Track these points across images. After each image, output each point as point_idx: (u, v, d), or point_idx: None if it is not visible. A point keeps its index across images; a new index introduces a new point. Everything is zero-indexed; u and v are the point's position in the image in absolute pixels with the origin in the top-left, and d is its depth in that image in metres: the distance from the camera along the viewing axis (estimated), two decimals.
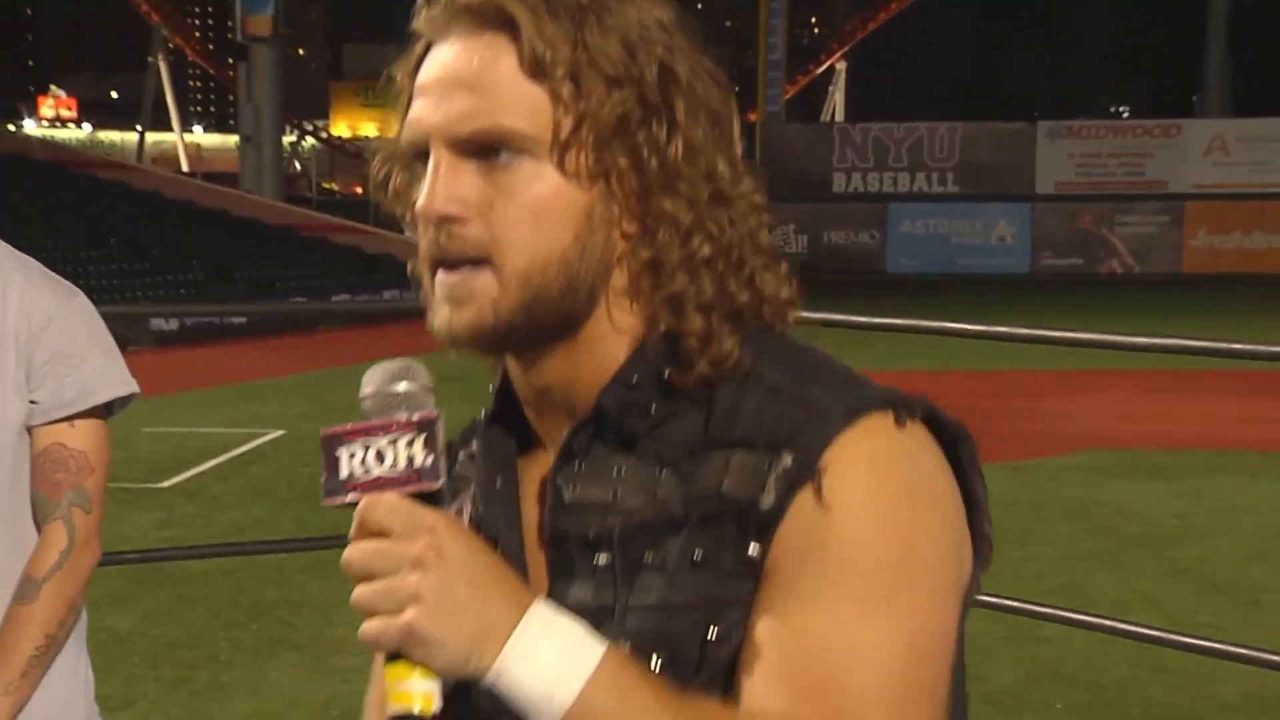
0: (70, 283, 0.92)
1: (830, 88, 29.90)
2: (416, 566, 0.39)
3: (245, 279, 13.30)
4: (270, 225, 16.47)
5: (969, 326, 1.51)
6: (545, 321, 0.44)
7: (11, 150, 17.26)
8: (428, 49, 0.45)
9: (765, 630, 0.42)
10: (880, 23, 31.05)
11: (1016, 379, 6.97)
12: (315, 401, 6.74)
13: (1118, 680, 2.52)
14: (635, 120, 0.43)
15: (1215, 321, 10.51)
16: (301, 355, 9.30)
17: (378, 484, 0.41)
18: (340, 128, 39.23)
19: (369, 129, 38.03)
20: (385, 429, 0.41)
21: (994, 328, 1.53)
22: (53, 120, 39.89)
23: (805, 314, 0.47)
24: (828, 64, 30.85)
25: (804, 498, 0.41)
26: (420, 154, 0.44)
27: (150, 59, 27.63)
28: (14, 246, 0.92)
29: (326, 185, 34.16)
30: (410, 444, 0.40)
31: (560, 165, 0.43)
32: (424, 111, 0.44)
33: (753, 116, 20.71)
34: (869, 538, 0.41)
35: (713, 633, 0.42)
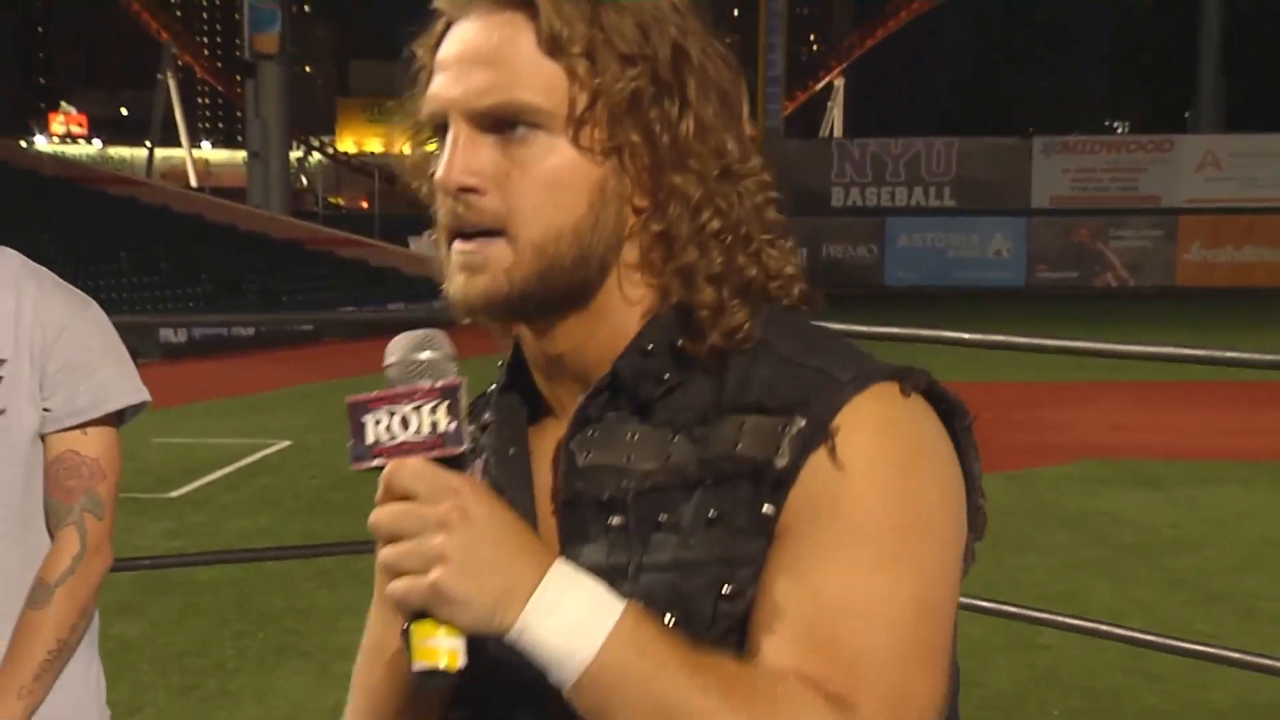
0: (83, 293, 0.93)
1: (829, 104, 30.25)
2: (442, 528, 0.40)
3: (253, 292, 13.45)
4: (277, 239, 16.69)
5: (967, 335, 1.50)
6: (558, 291, 0.45)
7: (23, 166, 17.48)
8: (448, 27, 0.46)
9: (778, 587, 0.42)
10: (878, 40, 31.45)
11: (1014, 391, 7.01)
12: (322, 413, 6.81)
13: (1113, 687, 2.55)
14: (648, 97, 0.44)
15: (1209, 334, 10.54)
16: (308, 367, 9.40)
17: (403, 449, 0.41)
18: (346, 143, 39.73)
19: (374, 145, 38.48)
20: (409, 396, 0.42)
21: (992, 336, 1.54)
22: (64, 137, 40.60)
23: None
24: (826, 80, 31.29)
25: (817, 458, 0.42)
26: (439, 127, 0.45)
27: (160, 76, 27.90)
28: None
29: (333, 200, 34.52)
30: (434, 410, 0.41)
31: (575, 140, 0.44)
32: (443, 86, 0.45)
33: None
34: (879, 499, 0.42)
35: (726, 589, 0.43)
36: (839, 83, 30.35)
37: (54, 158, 22.94)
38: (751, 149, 0.46)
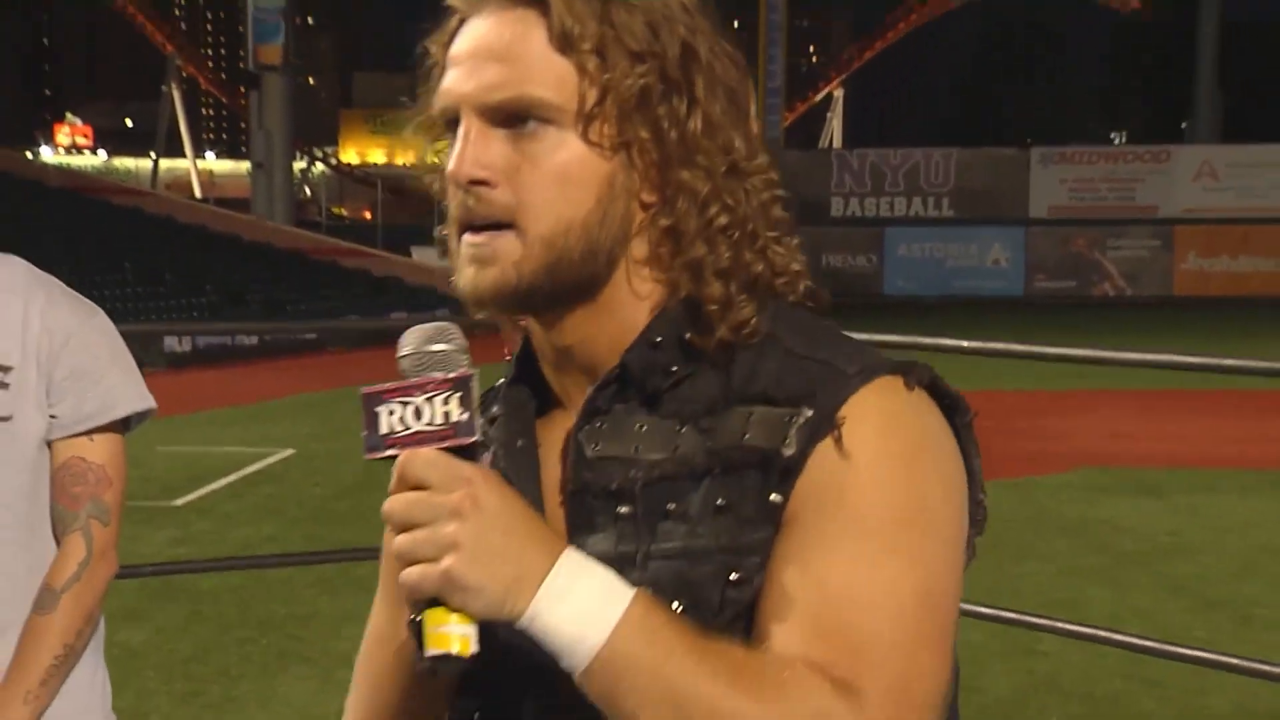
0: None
1: (828, 114, 30.38)
2: (454, 516, 0.41)
3: (256, 301, 13.51)
4: (281, 249, 16.76)
5: (967, 343, 1.50)
6: (566, 284, 0.46)
7: (29, 177, 17.61)
8: (460, 24, 0.46)
9: (785, 576, 0.43)
10: (877, 51, 31.63)
11: (1013, 399, 7.02)
12: (325, 421, 6.84)
13: (1111, 693, 2.56)
14: (657, 94, 0.45)
15: (1206, 342, 10.60)
16: (311, 376, 9.38)
17: (416, 439, 0.42)
18: (349, 154, 39.63)
19: (377, 156, 38.59)
20: (422, 387, 0.42)
21: (991, 344, 1.55)
22: (69, 148, 40.46)
23: None
24: (825, 91, 31.38)
25: (824, 448, 0.43)
26: (451, 122, 0.46)
27: (164, 88, 28.00)
28: None
29: (336, 210, 34.64)
30: (446, 401, 0.42)
31: (585, 135, 0.45)
32: (456, 81, 0.45)
33: None
34: (883, 490, 0.43)
35: (733, 576, 0.43)
36: (838, 94, 30.55)
37: (59, 169, 22.96)
38: (758, 147, 0.47)
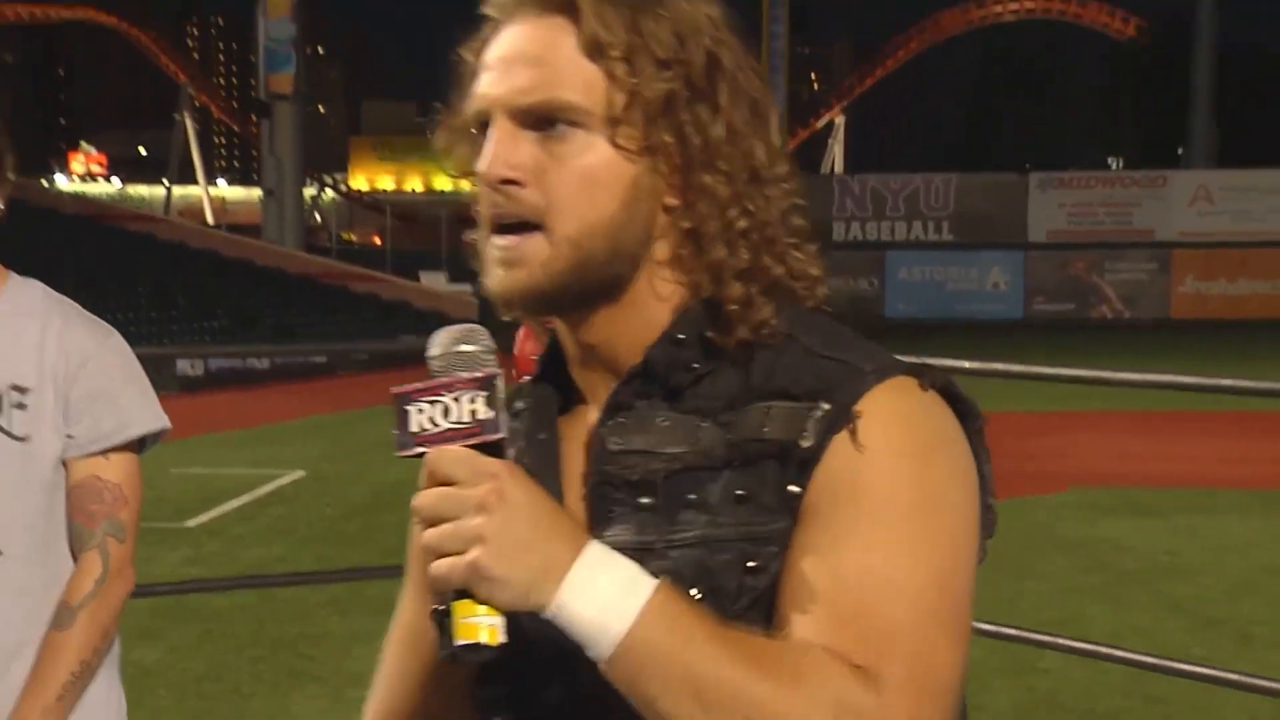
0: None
1: (829, 140, 30.69)
2: (481, 510, 0.42)
3: (268, 326, 13.59)
4: (292, 274, 16.91)
5: (968, 364, 1.51)
6: (592, 284, 0.47)
7: (44, 205, 17.79)
8: (494, 31, 0.48)
9: (804, 565, 0.44)
10: (877, 79, 32.05)
11: (1012, 420, 7.03)
12: (335, 443, 6.85)
13: (1112, 710, 2.58)
14: (682, 100, 0.46)
15: (1204, 364, 10.67)
16: (321, 399, 9.43)
17: (444, 436, 0.43)
18: (359, 180, 39.77)
19: (386, 182, 38.91)
20: (450, 387, 0.43)
21: (992, 364, 1.58)
22: (84, 175, 41.16)
23: None
24: (827, 118, 31.68)
25: (841, 440, 0.44)
26: (483, 124, 0.48)
27: (177, 116, 28.41)
28: None
29: (346, 236, 34.43)
30: (473, 399, 0.43)
31: (612, 139, 0.46)
32: (488, 85, 0.47)
33: None
34: (900, 479, 0.44)
35: (750, 564, 0.45)
36: (839, 120, 30.84)
37: (74, 196, 23.32)
38: (779, 157, 0.49)
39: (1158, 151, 26.28)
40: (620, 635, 0.42)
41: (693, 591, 0.45)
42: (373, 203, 35.52)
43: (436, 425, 0.44)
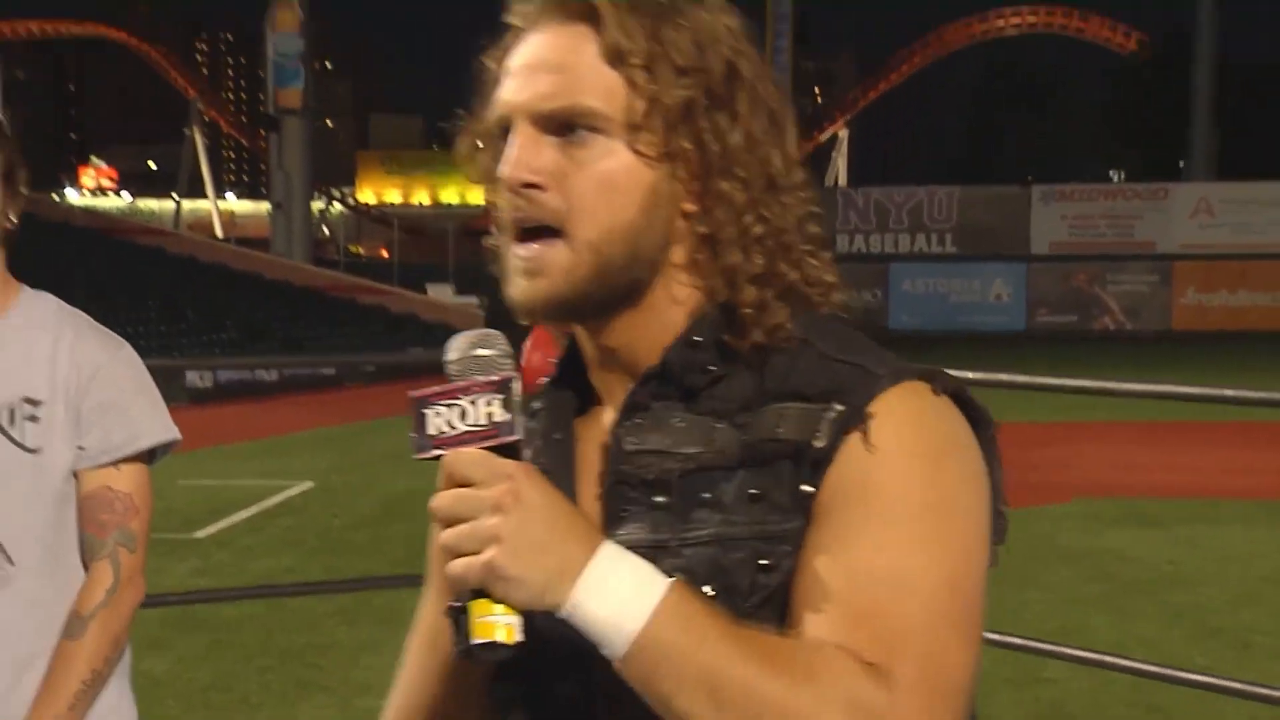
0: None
1: (833, 154, 30.98)
2: (497, 510, 0.43)
3: (276, 338, 13.72)
4: (300, 287, 17.05)
5: (972, 374, 1.52)
6: (613, 289, 0.48)
7: (55, 218, 18.03)
8: (516, 39, 0.49)
9: (817, 564, 0.44)
10: (881, 92, 32.12)
11: (1016, 431, 7.01)
12: (344, 455, 6.90)
13: (1116, 719, 2.60)
14: (701, 108, 0.47)
15: (1205, 375, 10.63)
16: (329, 411, 9.44)
17: (461, 439, 0.44)
18: (366, 194, 39.82)
19: (393, 196, 38.81)
20: (466, 390, 0.44)
21: (996, 375, 1.61)
22: (94, 189, 41.61)
23: None
24: (831, 131, 31.79)
25: (854, 440, 0.45)
26: (505, 130, 0.49)
27: (186, 131, 28.95)
28: None
29: (353, 249, 34.62)
30: (490, 403, 0.44)
31: (631, 145, 0.47)
32: (511, 91, 0.48)
33: None
34: (913, 480, 0.44)
35: (762, 562, 0.45)
36: (843, 134, 31.09)
37: (85, 210, 23.72)
38: (796, 166, 0.49)
39: (1159, 165, 26.28)
40: (634, 634, 0.43)
41: (706, 589, 0.45)
42: (380, 216, 35.66)
43: (454, 428, 0.44)
